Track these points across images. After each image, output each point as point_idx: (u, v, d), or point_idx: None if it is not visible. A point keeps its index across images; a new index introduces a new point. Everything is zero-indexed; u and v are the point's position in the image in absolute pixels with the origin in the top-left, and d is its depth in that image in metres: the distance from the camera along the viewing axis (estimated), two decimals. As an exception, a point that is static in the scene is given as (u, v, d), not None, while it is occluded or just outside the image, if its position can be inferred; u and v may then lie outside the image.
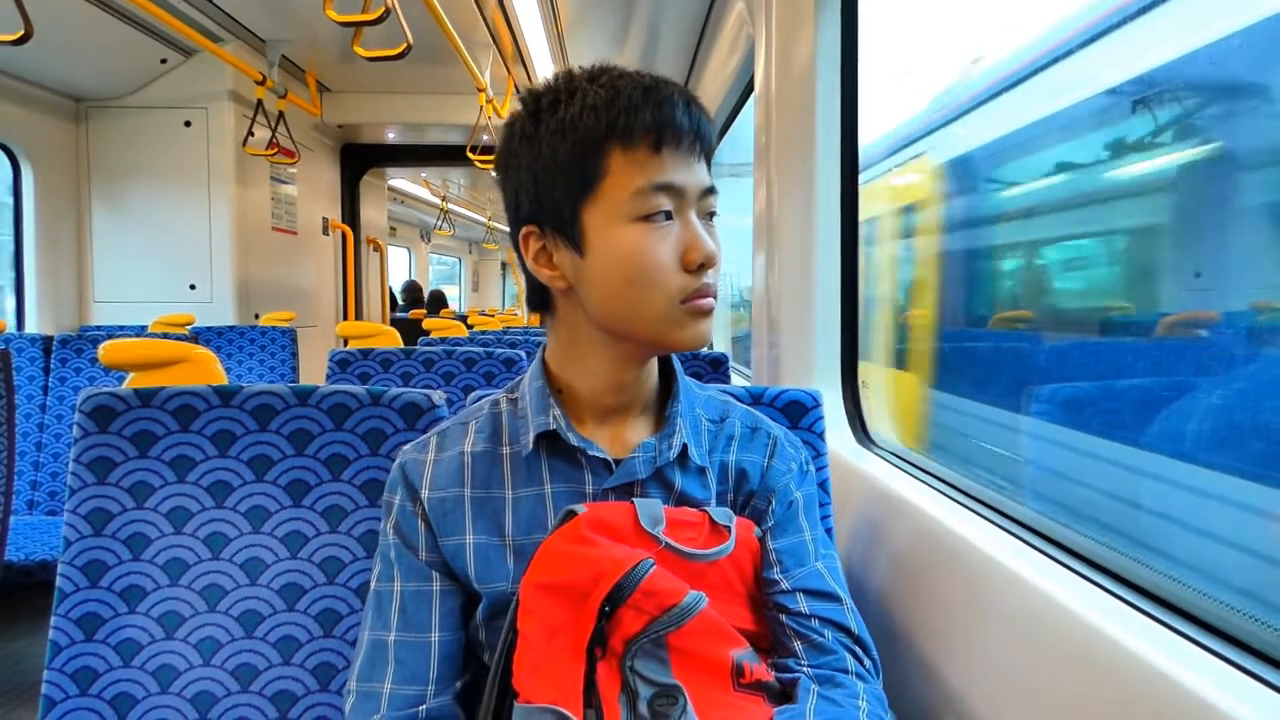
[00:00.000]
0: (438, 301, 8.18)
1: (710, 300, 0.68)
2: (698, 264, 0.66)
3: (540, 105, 0.68)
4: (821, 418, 0.96)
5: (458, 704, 0.70)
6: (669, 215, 0.66)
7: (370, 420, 0.92)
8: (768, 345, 1.73)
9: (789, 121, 1.60)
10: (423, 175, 7.86)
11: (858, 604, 0.75)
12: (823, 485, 0.94)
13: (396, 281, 9.05)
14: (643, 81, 0.66)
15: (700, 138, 0.67)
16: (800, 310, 1.54)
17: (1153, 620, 0.62)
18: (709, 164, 0.70)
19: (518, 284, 8.48)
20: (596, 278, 0.67)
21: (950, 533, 0.90)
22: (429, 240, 10.60)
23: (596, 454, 0.70)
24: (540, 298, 0.74)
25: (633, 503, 0.68)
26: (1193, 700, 0.51)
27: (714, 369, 1.98)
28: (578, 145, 0.65)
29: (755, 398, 0.95)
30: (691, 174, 0.67)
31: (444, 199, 8.46)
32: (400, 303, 8.07)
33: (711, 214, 0.70)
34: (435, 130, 5.20)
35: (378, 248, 6.40)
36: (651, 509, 0.67)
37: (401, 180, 7.83)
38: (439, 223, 8.56)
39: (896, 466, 1.23)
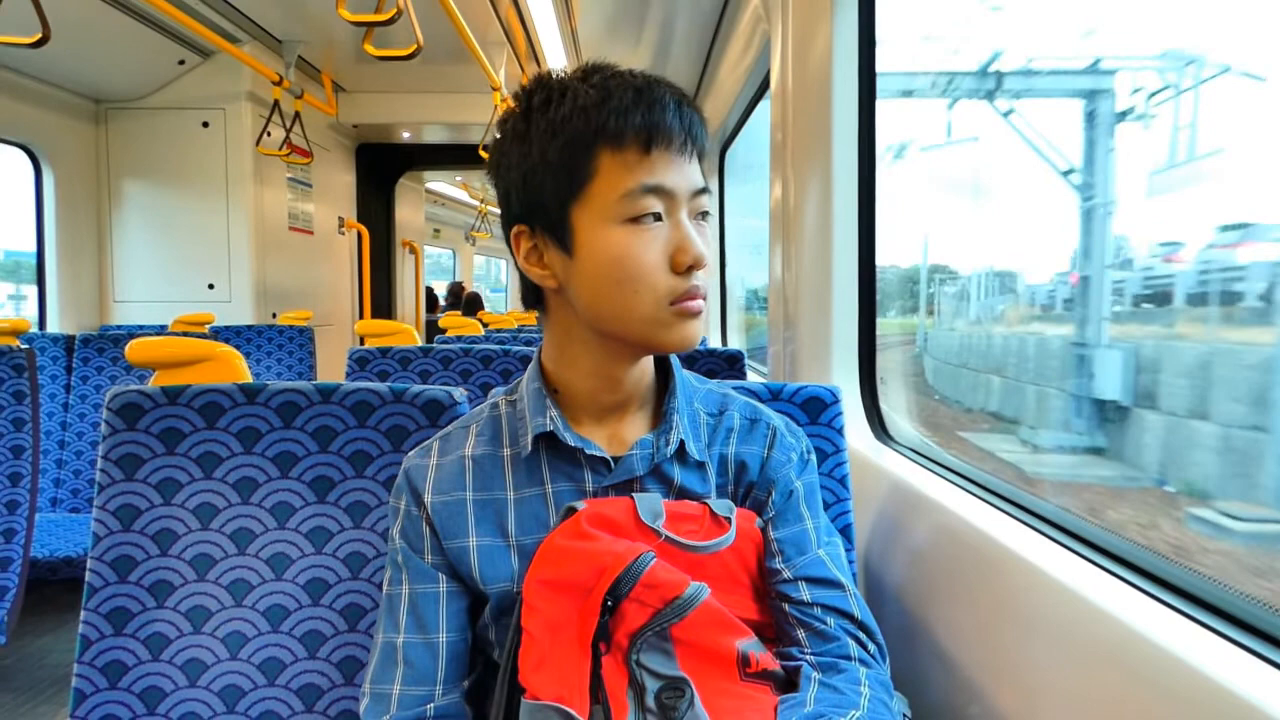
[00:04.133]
0: (473, 303, 8.23)
1: (699, 302, 0.67)
2: (686, 266, 0.65)
3: (532, 104, 0.67)
4: (841, 413, 0.96)
5: (466, 702, 0.70)
6: (658, 217, 0.66)
7: (393, 417, 0.93)
8: (784, 341, 1.73)
9: (806, 118, 1.59)
10: (458, 179, 7.87)
11: (877, 599, 0.75)
12: (841, 481, 0.94)
13: (439, 285, 9.15)
14: (634, 82, 0.66)
15: (692, 138, 0.67)
16: (818, 306, 1.54)
17: (1183, 616, 0.61)
18: (702, 163, 0.69)
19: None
20: (585, 278, 0.66)
21: (970, 528, 0.89)
22: (474, 243, 10.64)
23: (595, 453, 0.70)
24: (534, 296, 0.74)
25: (632, 498, 0.68)
26: (1229, 698, 0.51)
27: (730, 365, 1.98)
28: (567, 146, 0.64)
29: (774, 394, 0.95)
30: (682, 175, 0.66)
31: (483, 201, 8.49)
32: (442, 304, 8.16)
33: (703, 214, 0.69)
34: (452, 130, 5.22)
35: (413, 250, 6.40)
36: (651, 503, 0.68)
37: (442, 184, 7.85)
38: (477, 224, 8.59)
39: (916, 462, 1.22)
